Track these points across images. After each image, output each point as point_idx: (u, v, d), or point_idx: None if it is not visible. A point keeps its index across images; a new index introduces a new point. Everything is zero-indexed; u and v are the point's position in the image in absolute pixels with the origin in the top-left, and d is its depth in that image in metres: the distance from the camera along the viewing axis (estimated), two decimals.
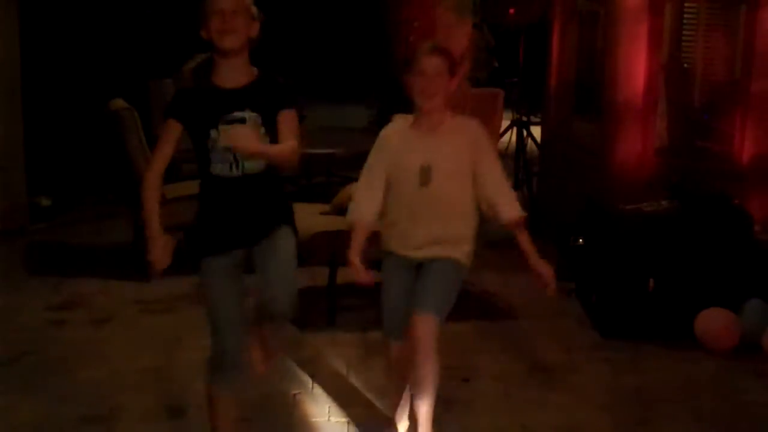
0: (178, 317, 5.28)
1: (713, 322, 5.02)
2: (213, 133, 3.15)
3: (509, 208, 3.64)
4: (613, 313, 5.21)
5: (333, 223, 5.27)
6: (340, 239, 5.17)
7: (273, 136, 3.21)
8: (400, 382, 3.79)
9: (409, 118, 3.69)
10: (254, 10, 3.25)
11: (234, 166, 3.18)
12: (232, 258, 3.29)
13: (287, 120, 3.23)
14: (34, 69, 7.52)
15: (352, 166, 6.99)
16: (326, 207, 5.60)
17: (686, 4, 6.39)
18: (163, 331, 5.14)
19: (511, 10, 8.95)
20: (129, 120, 5.94)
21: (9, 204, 7.13)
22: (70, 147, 8.05)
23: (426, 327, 3.48)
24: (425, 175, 3.56)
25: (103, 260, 6.63)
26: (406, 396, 3.80)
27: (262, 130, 3.17)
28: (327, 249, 5.21)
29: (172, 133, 3.23)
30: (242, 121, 3.13)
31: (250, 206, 3.25)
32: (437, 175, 3.56)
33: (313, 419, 4.11)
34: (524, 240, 3.67)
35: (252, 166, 3.18)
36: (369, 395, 4.34)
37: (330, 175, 8.13)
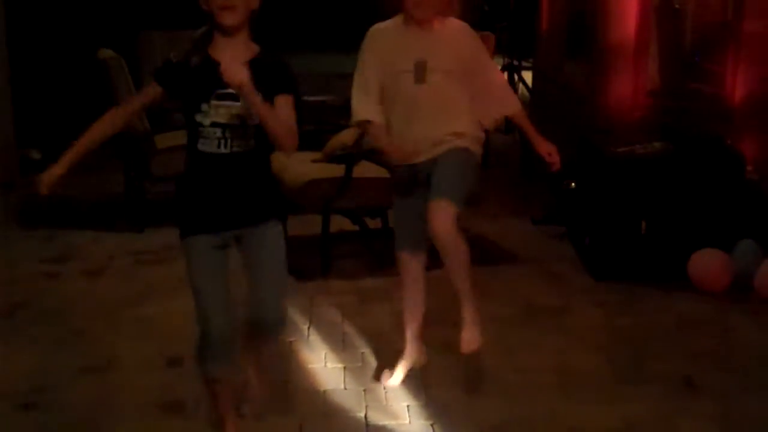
0: (172, 268, 5.28)
1: (706, 262, 5.05)
2: (204, 106, 3.04)
3: (513, 100, 3.78)
4: (606, 255, 5.23)
5: (325, 170, 5.26)
6: (333, 187, 5.18)
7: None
8: (411, 297, 3.86)
9: (398, 18, 3.65)
10: None
11: (222, 143, 3.06)
12: (219, 239, 3.18)
13: (284, 105, 3.06)
14: (20, 21, 7.44)
15: (343, 114, 6.95)
16: (318, 155, 5.58)
17: None
18: (157, 281, 5.15)
19: None
20: (117, 69, 5.89)
21: None
22: (59, 99, 7.99)
23: (442, 213, 3.47)
24: (420, 72, 3.55)
25: (96, 212, 6.62)
26: (415, 313, 3.86)
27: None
28: (320, 197, 5.21)
29: (149, 95, 3.15)
30: (235, 97, 3.01)
31: (236, 185, 3.12)
32: (432, 71, 3.55)
33: (310, 366, 4.13)
34: (527, 124, 3.77)
35: (239, 145, 3.07)
36: (364, 341, 4.37)
37: (321, 123, 8.09)
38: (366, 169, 5.29)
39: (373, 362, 4.14)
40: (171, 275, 5.14)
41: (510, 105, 3.80)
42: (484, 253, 5.64)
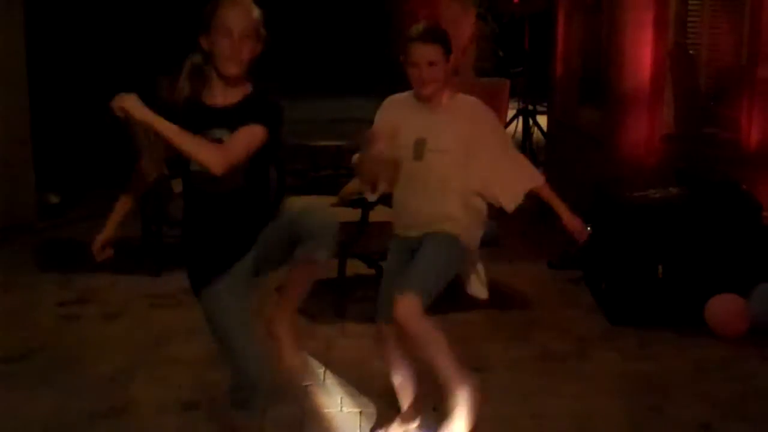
0: (188, 311, 5.26)
1: (723, 307, 5.03)
2: None
3: (535, 173, 3.73)
4: (623, 300, 5.21)
5: (341, 215, 5.27)
6: (349, 231, 5.20)
7: (256, 160, 3.07)
8: (394, 365, 3.78)
9: (410, 92, 3.68)
10: (263, 30, 3.12)
11: (212, 184, 3.06)
12: (233, 274, 3.15)
13: (242, 130, 3.01)
14: (41, 65, 7.54)
15: None
16: (334, 199, 5.60)
17: None
18: (174, 324, 5.16)
19: (516, 0, 8.95)
20: None
21: (18, 201, 7.16)
22: (77, 143, 8.07)
23: (405, 306, 3.39)
24: (419, 149, 3.55)
25: (113, 255, 6.64)
26: (406, 378, 3.80)
27: None
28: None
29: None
30: (219, 141, 3.03)
31: (228, 224, 3.13)
32: (431, 150, 3.55)
33: (326, 410, 4.13)
34: (553, 197, 3.71)
35: (229, 183, 3.05)
36: (381, 386, 4.35)
37: (337, 167, 8.14)
38: (382, 214, 5.29)
39: (389, 407, 4.12)
40: (187, 319, 5.14)
41: (534, 178, 3.73)
42: (500, 297, 5.63)
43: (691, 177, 5.51)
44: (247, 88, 3.15)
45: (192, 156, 2.97)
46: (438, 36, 3.55)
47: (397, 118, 3.65)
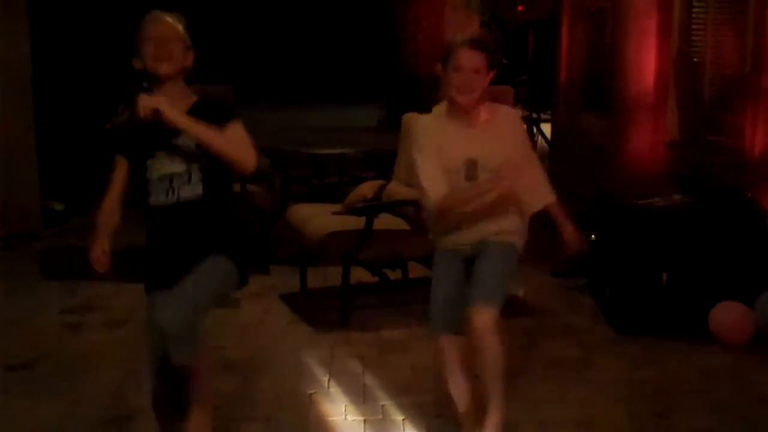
0: None
1: (727, 315, 5.02)
2: (149, 162, 3.15)
3: (545, 194, 3.76)
4: (627, 308, 5.21)
5: (345, 222, 5.28)
6: (353, 239, 5.20)
7: (212, 161, 3.12)
8: (452, 375, 3.76)
9: (441, 109, 3.64)
10: (188, 39, 3.24)
11: (170, 193, 3.15)
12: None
13: (234, 130, 3.13)
14: (46, 72, 7.55)
15: (363, 166, 7.02)
16: (338, 207, 5.61)
17: None
18: None
19: (520, 7, 8.97)
20: None
21: (22, 208, 7.16)
22: (82, 152, 8.08)
23: (484, 320, 3.47)
24: (471, 170, 3.53)
25: (117, 263, 6.63)
26: (462, 385, 3.76)
27: (198, 152, 3.12)
28: (340, 249, 5.22)
29: (121, 169, 3.29)
30: (175, 147, 3.12)
31: (183, 235, 3.19)
32: (484, 169, 3.53)
33: (330, 418, 4.12)
34: (560, 213, 3.77)
35: (187, 193, 3.15)
36: (385, 394, 4.35)
37: (341, 175, 8.15)
38: (386, 222, 5.31)
39: (393, 415, 4.12)
40: None
41: (546, 196, 3.78)
42: (505, 306, 5.62)
43: (695, 184, 5.50)
44: (192, 98, 3.24)
45: (225, 155, 3.06)
46: (486, 46, 3.57)
47: (439, 140, 3.59)
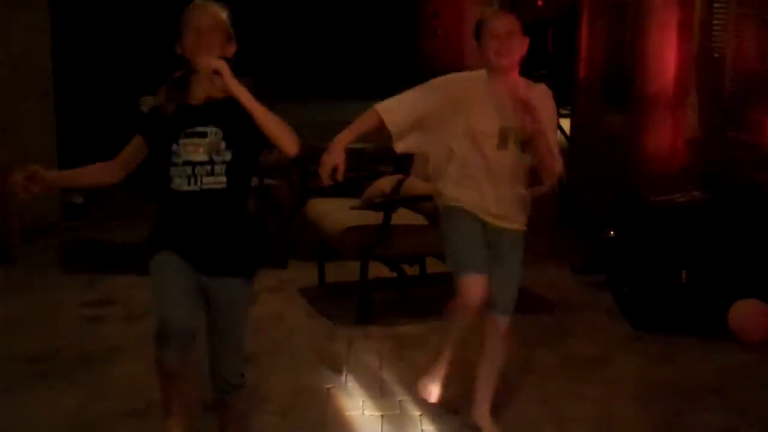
0: None
1: (747, 313, 5.00)
2: (174, 147, 3.14)
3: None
4: (646, 305, 5.19)
5: (364, 217, 5.29)
6: (371, 234, 5.20)
7: (237, 155, 3.15)
8: (459, 325, 3.71)
9: (480, 74, 3.65)
10: (231, 30, 3.23)
11: (192, 180, 3.14)
12: (187, 264, 3.20)
13: (276, 117, 3.14)
14: (66, 66, 7.59)
15: (381, 160, 7.02)
16: (357, 202, 5.62)
17: None
18: (196, 326, 5.17)
19: (540, 2, 8.94)
20: None
21: (42, 202, 7.20)
22: (101, 146, 8.12)
23: (503, 327, 3.77)
24: (504, 139, 3.57)
25: (136, 257, 6.68)
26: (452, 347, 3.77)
27: (222, 145, 3.13)
28: (358, 244, 5.23)
29: (136, 146, 3.29)
30: (203, 135, 3.12)
31: (206, 224, 3.18)
32: (515, 140, 3.57)
33: (347, 413, 4.13)
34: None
35: (211, 183, 3.14)
36: (402, 389, 4.36)
37: (360, 170, 8.16)
38: (404, 217, 5.31)
39: (411, 410, 4.13)
40: None
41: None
42: (522, 302, 5.61)
43: (716, 181, 5.48)
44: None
45: (274, 130, 3.08)
46: (514, 13, 3.66)
47: (466, 97, 3.61)
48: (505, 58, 3.54)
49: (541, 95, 3.65)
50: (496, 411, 3.90)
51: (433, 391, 3.81)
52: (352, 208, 5.53)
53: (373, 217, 5.23)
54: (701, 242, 5.14)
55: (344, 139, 3.66)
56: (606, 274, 5.87)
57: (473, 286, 3.58)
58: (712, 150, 6.26)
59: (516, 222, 3.71)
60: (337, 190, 6.88)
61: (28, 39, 7.05)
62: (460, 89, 3.67)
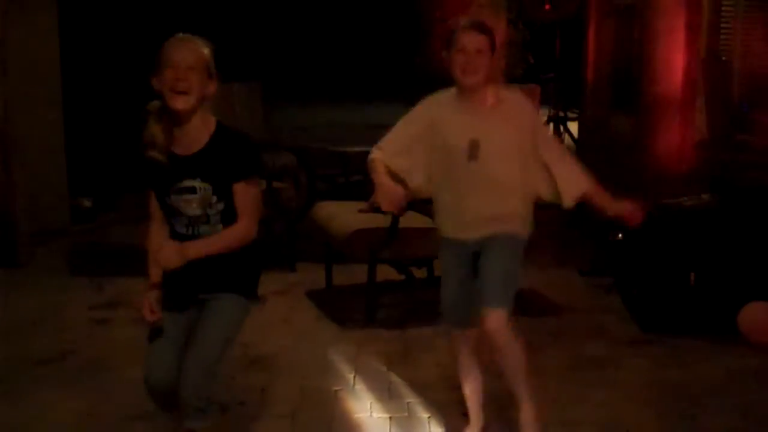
0: None
1: (756, 315, 4.98)
2: (167, 199, 3.16)
3: (584, 174, 3.77)
4: (655, 307, 5.18)
5: (372, 220, 5.28)
6: (379, 236, 5.20)
7: (228, 204, 3.15)
8: (465, 370, 3.80)
9: (452, 91, 3.66)
10: (212, 67, 3.12)
11: (190, 229, 3.18)
12: (183, 318, 3.30)
13: (241, 194, 3.14)
14: (74, 71, 7.60)
15: None
16: (364, 204, 5.61)
17: None
18: None
19: (547, 6, 8.94)
20: None
21: (51, 205, 7.22)
22: (110, 150, 8.13)
23: (495, 320, 3.49)
24: (474, 150, 3.55)
25: (144, 260, 6.68)
26: (473, 382, 3.80)
27: (214, 199, 3.13)
28: (366, 246, 5.23)
29: (153, 197, 3.29)
30: (192, 191, 3.11)
31: (202, 266, 3.16)
32: (486, 151, 3.54)
33: (355, 415, 4.13)
34: (600, 193, 3.79)
35: (206, 229, 3.16)
36: (410, 391, 4.35)
37: (368, 173, 8.15)
38: (412, 220, 5.30)
39: (419, 413, 4.13)
40: None
41: (583, 182, 3.79)
42: (531, 304, 5.61)
43: (724, 183, 5.47)
44: (209, 128, 3.16)
45: (231, 248, 3.15)
46: (485, 28, 3.61)
47: (440, 116, 3.64)
48: (471, 76, 3.53)
49: (515, 104, 3.66)
50: (502, 413, 3.89)
51: None
52: (360, 210, 5.52)
53: (381, 220, 5.22)
54: (710, 244, 5.12)
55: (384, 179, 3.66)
56: (614, 276, 5.86)
57: (455, 341, 3.81)
58: (721, 152, 6.26)
59: (504, 228, 3.62)
60: (345, 193, 6.90)
61: (36, 47, 7.05)
62: (434, 109, 3.68)
